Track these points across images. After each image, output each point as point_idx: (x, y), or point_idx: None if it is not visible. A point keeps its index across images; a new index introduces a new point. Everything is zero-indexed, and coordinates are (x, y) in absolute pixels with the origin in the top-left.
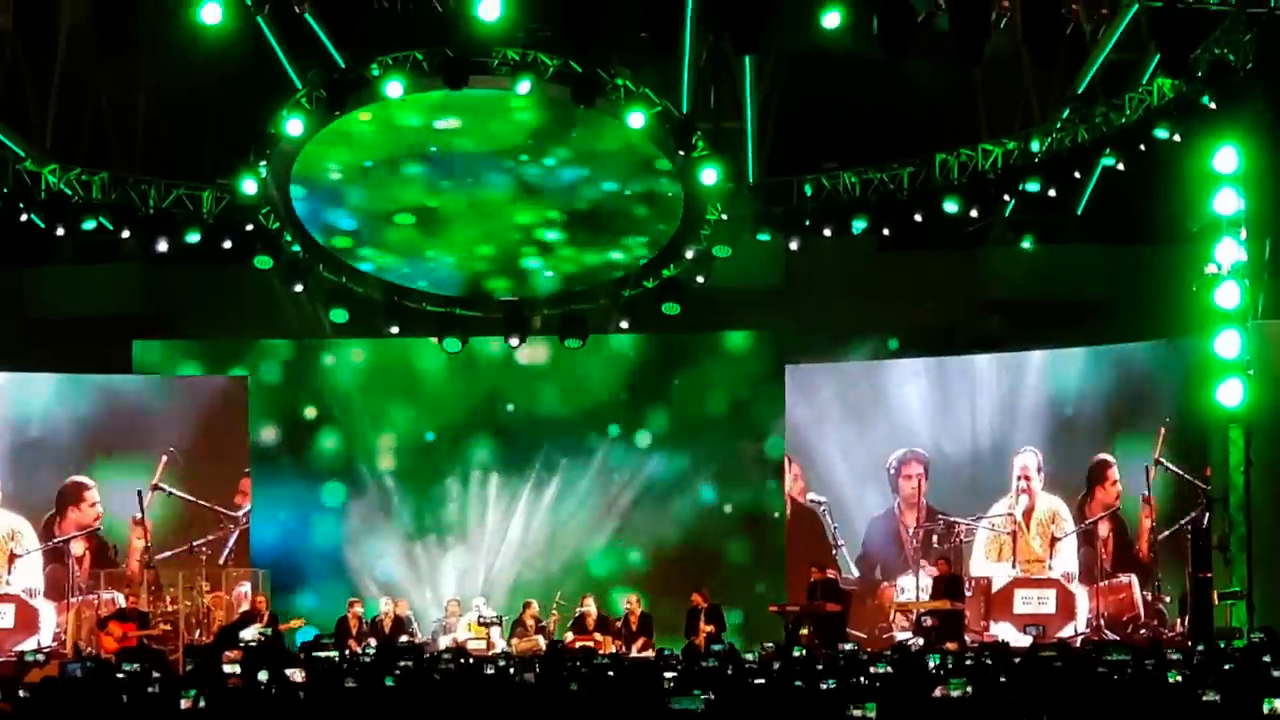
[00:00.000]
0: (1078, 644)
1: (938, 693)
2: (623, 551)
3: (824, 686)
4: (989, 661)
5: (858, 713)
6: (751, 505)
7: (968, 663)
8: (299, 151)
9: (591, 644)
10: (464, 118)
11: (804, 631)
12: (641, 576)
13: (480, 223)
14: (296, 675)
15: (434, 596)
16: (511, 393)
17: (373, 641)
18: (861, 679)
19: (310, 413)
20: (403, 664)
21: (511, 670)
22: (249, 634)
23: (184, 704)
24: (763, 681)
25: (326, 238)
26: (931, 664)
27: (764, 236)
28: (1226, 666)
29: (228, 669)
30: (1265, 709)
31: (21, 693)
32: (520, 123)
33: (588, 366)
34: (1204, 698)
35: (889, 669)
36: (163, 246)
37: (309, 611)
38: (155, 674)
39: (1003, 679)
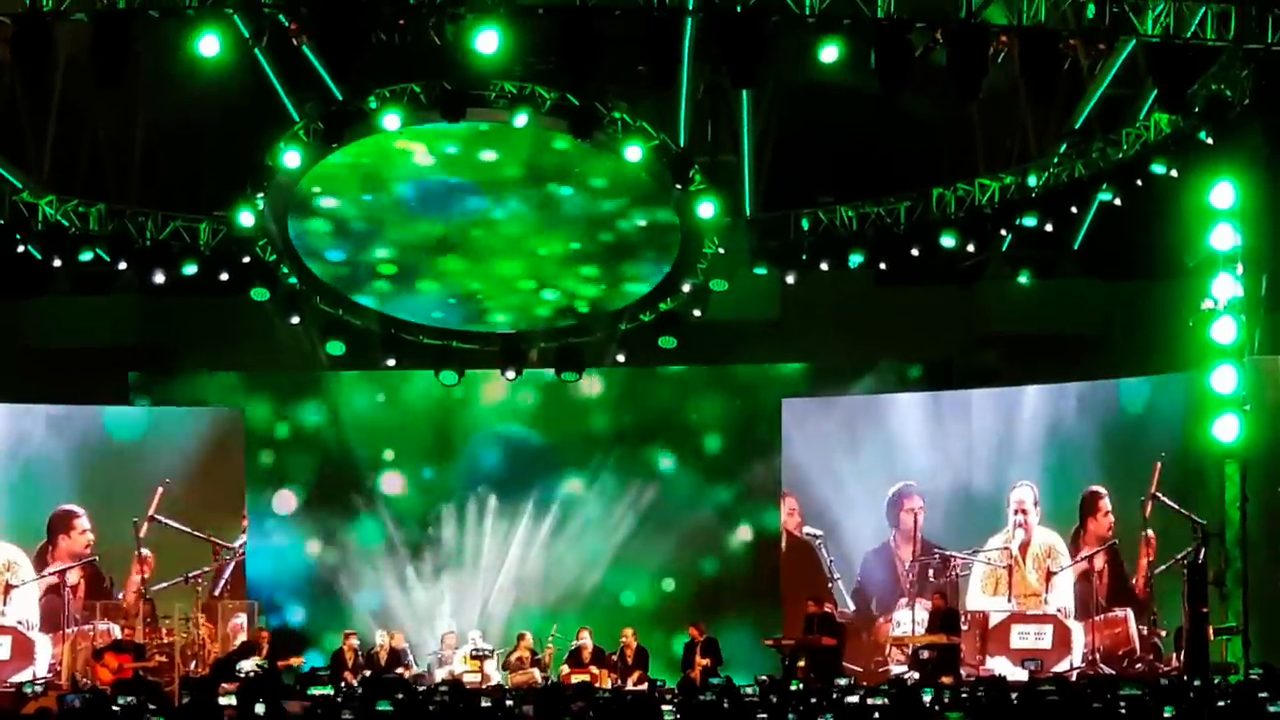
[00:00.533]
0: (1073, 678)
1: None
2: (626, 581)
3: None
4: (981, 695)
5: None
6: (764, 534)
7: (963, 696)
8: (297, 184)
9: (587, 677)
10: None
11: (800, 664)
12: (644, 608)
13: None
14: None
15: (430, 629)
16: (512, 424)
17: (369, 674)
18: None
19: (315, 444)
20: (399, 697)
21: (509, 703)
22: (247, 665)
23: None
24: (765, 716)
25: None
26: (927, 698)
27: (760, 270)
28: (1221, 703)
29: (223, 701)
30: None
31: None
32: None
33: (588, 398)
34: None
35: (886, 702)
36: (159, 278)
37: (305, 644)
38: (151, 706)
39: (1000, 713)
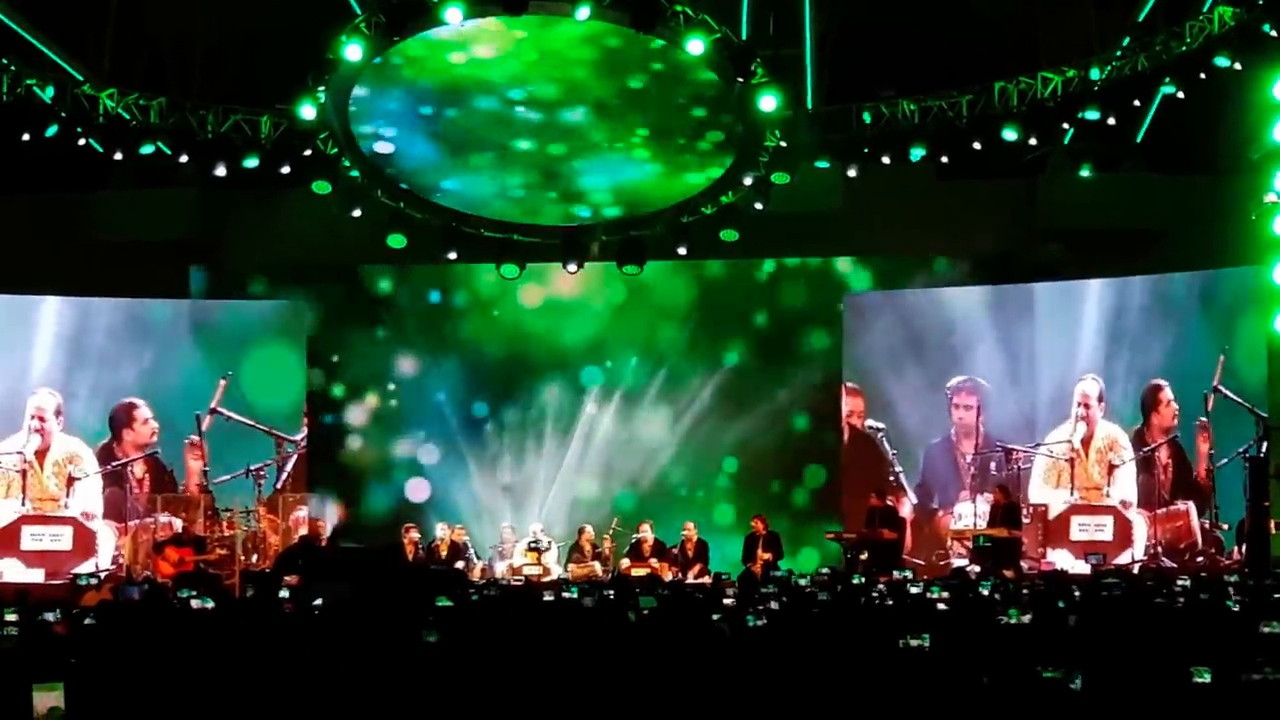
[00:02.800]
0: (1135, 571)
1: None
2: (688, 475)
3: (882, 604)
4: (1042, 587)
5: (914, 643)
6: (826, 427)
7: (1025, 593)
8: (358, 76)
9: (648, 570)
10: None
11: (863, 557)
12: (705, 500)
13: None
14: None
15: (491, 522)
16: (571, 316)
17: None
18: (926, 595)
19: (376, 339)
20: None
21: (567, 595)
22: None
23: None
24: (821, 604)
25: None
26: (985, 590)
27: (822, 163)
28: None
29: (285, 594)
30: None
31: (87, 620)
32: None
33: (647, 290)
34: (1264, 629)
35: (947, 594)
36: (221, 171)
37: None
38: (211, 600)
39: (1060, 605)
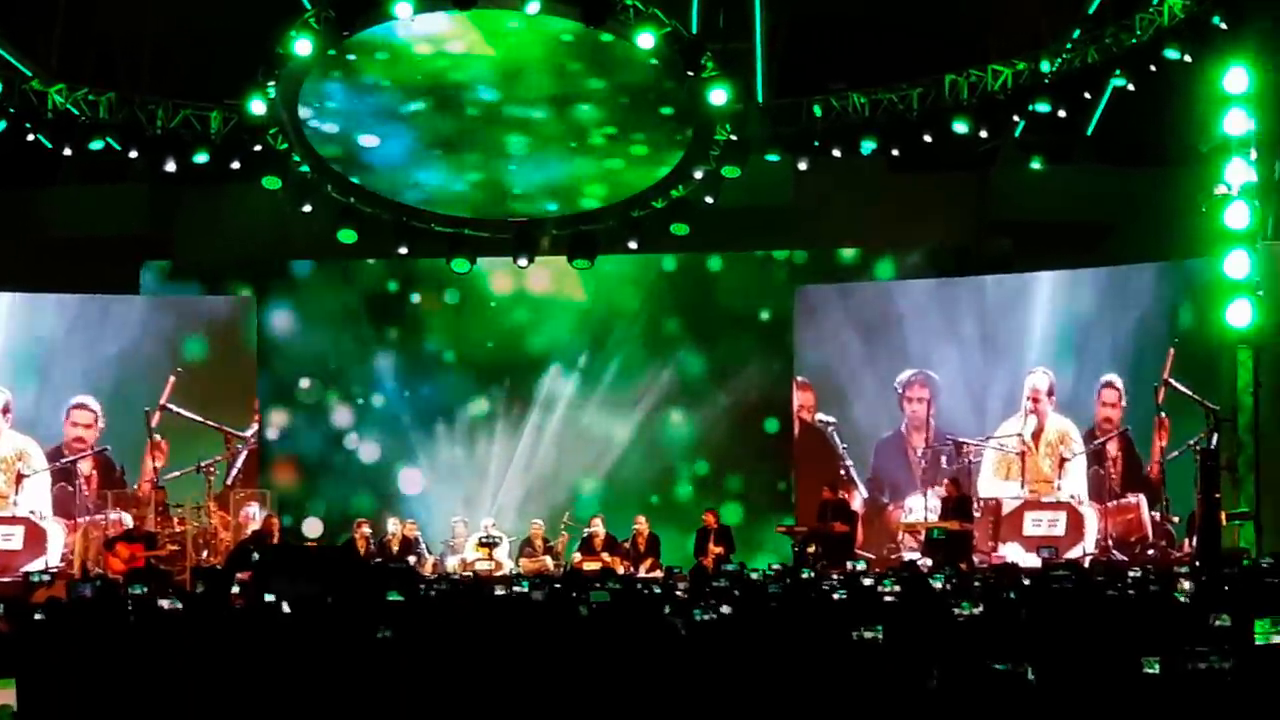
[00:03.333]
0: (1086, 564)
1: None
2: (638, 468)
3: (836, 597)
4: (993, 580)
5: (868, 634)
6: (777, 421)
7: (976, 584)
8: (308, 71)
9: (599, 565)
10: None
11: (810, 550)
12: (656, 495)
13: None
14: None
15: (443, 517)
16: (523, 311)
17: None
18: (877, 588)
19: (330, 332)
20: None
21: (518, 590)
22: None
23: None
24: (775, 600)
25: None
26: (937, 584)
27: (773, 157)
28: (1226, 587)
29: (238, 590)
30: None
31: (37, 615)
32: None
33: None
34: (1215, 623)
35: (898, 587)
36: (171, 167)
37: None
38: (163, 596)
39: (1011, 596)
